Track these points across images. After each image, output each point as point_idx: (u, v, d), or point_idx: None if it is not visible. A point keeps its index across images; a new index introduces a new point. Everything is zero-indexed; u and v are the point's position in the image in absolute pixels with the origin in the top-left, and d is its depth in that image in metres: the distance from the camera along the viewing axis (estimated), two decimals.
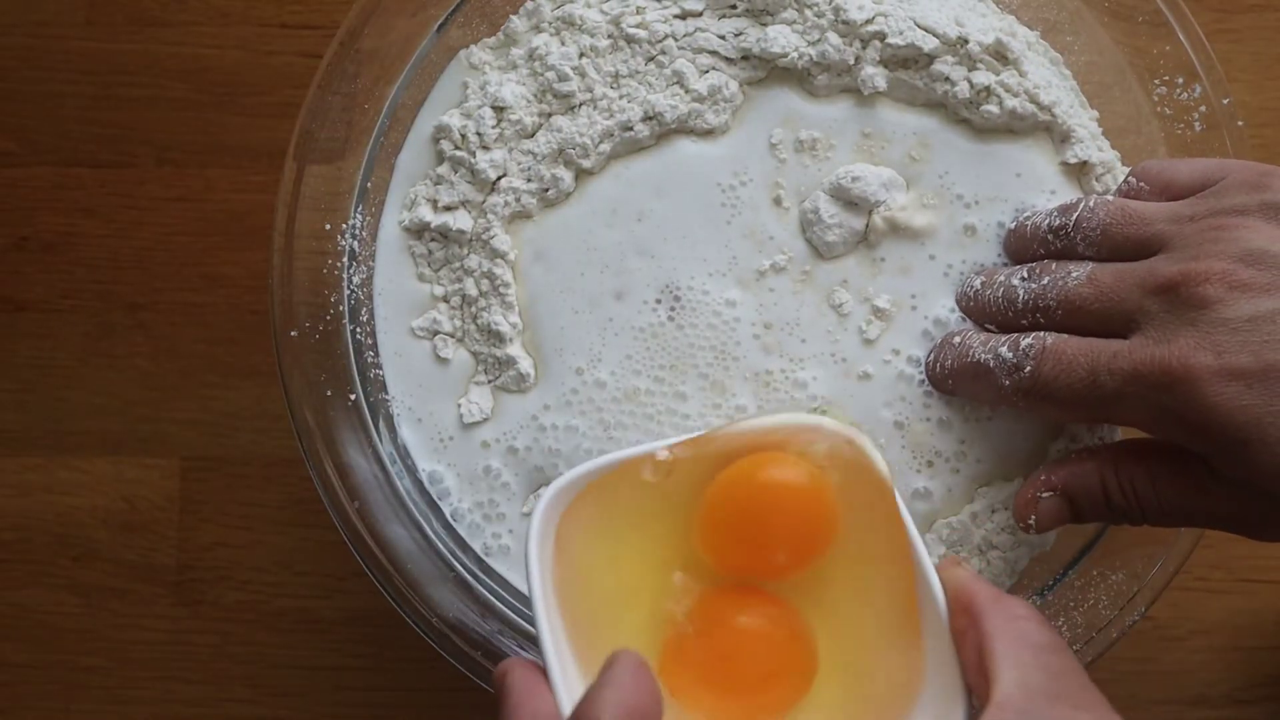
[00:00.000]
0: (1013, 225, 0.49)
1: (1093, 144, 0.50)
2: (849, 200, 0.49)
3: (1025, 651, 0.37)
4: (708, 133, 0.50)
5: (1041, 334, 0.44)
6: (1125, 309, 0.42)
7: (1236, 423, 0.39)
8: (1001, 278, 0.47)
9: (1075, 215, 0.46)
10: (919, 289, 0.49)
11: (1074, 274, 0.44)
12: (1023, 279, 0.46)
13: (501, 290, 0.50)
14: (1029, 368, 0.44)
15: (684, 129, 0.50)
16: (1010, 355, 0.44)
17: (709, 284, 0.49)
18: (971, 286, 0.48)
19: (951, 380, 0.47)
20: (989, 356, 0.45)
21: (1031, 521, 0.45)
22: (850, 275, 0.49)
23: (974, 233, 0.49)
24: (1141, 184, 0.46)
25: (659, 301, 0.49)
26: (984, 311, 0.47)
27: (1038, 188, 0.49)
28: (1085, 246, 0.45)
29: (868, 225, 0.49)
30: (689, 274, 0.49)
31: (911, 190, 0.49)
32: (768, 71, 0.50)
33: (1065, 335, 0.44)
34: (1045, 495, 0.45)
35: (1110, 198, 0.46)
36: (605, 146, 0.50)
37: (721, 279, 0.49)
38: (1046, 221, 0.47)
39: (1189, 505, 0.43)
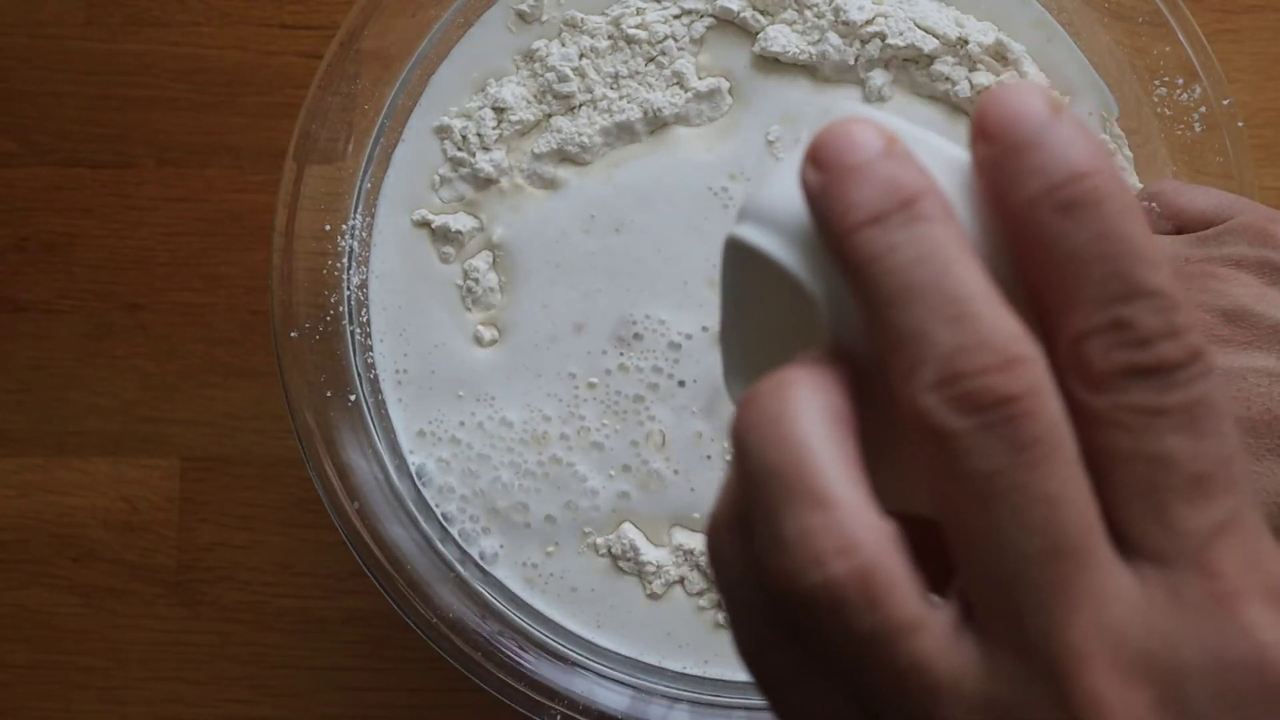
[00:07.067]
0: None
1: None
2: None
3: None
4: (704, 124, 0.50)
5: None
6: None
7: None
8: None
9: None
10: None
11: None
12: None
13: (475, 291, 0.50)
14: None
15: (681, 121, 0.50)
16: None
17: (667, 314, 0.49)
18: None
19: None
20: None
21: None
22: None
23: None
24: (1153, 205, 0.46)
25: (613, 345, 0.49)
26: None
27: None
28: None
29: None
30: (651, 304, 0.49)
31: None
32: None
33: None
34: None
35: None
36: (604, 146, 0.50)
37: (695, 310, 0.49)
38: None
39: None
